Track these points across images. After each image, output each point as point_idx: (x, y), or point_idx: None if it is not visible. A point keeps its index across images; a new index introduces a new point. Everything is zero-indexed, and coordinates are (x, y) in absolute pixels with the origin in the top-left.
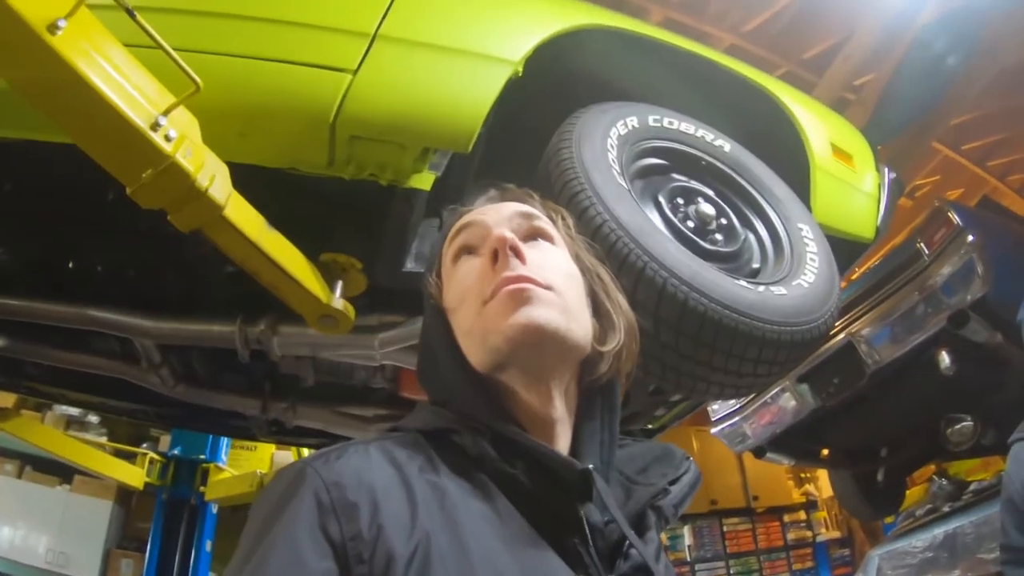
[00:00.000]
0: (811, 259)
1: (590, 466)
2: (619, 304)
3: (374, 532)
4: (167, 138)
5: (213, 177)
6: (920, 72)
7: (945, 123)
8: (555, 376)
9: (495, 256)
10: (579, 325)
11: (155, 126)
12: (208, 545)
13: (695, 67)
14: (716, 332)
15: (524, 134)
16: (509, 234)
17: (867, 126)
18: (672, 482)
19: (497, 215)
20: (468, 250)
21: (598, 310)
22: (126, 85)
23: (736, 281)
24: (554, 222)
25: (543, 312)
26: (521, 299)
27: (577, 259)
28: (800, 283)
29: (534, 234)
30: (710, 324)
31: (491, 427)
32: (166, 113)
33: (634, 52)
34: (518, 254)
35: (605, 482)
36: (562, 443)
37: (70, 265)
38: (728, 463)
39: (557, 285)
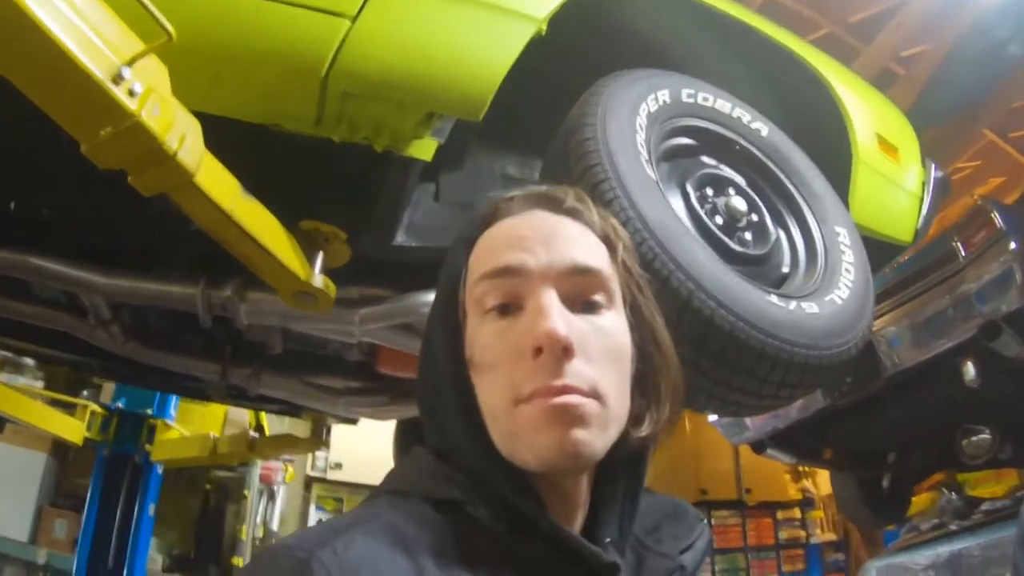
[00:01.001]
0: (846, 270)
1: (617, 560)
2: (669, 369)
3: None
4: (131, 93)
5: (183, 137)
6: (977, 57)
7: (996, 112)
8: (581, 476)
9: (538, 348)
10: (616, 427)
11: (117, 78)
12: (151, 508)
13: (734, 33)
14: (740, 352)
15: (539, 93)
16: (562, 331)
17: (913, 107)
18: (685, 549)
19: (547, 263)
20: (504, 303)
21: (644, 382)
22: (84, 28)
23: (767, 297)
24: (612, 249)
25: (583, 436)
26: (563, 419)
27: (632, 309)
28: (833, 299)
29: (588, 296)
30: (735, 344)
31: (510, 504)
32: (131, 63)
33: (667, 13)
34: (568, 354)
35: (620, 556)
36: (580, 515)
37: (11, 207)
38: (722, 449)
39: (603, 388)
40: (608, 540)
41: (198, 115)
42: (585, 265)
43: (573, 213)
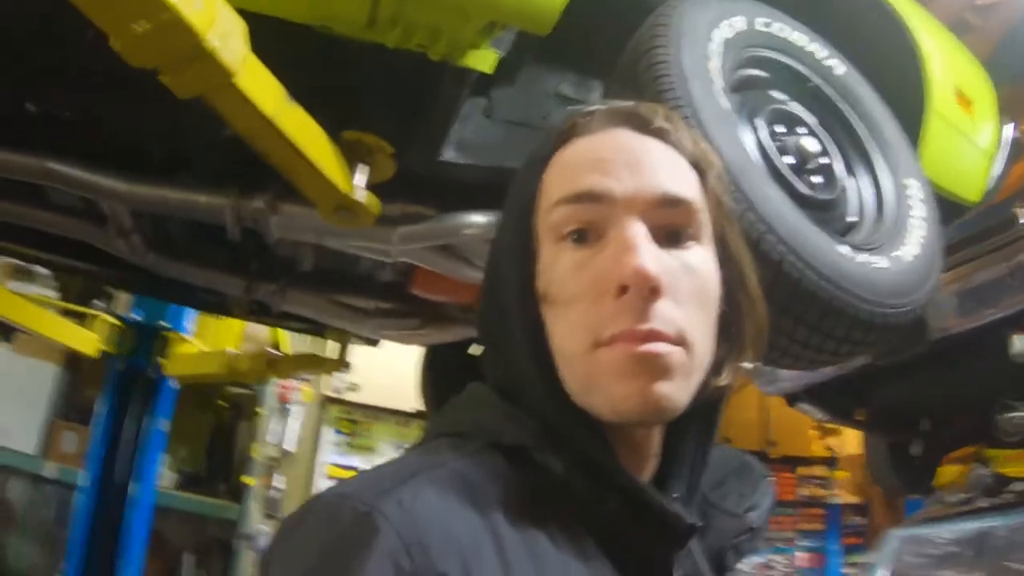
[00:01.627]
0: (916, 225)
1: (698, 522)
2: (755, 312)
3: None
4: None
5: (226, 35)
6: None
7: None
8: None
9: (623, 287)
10: (699, 376)
11: None
12: (164, 424)
13: None
14: (807, 304)
15: (602, 9)
16: (652, 269)
17: (986, 62)
18: (750, 508)
19: (634, 190)
20: (582, 229)
21: (729, 326)
22: None
23: (837, 246)
24: (703, 177)
25: (666, 390)
26: (646, 370)
27: (721, 244)
28: (902, 255)
29: (676, 229)
30: (803, 294)
31: (585, 454)
32: None
33: None
34: (656, 294)
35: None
36: (650, 468)
37: (31, 109)
38: (749, 397)
39: (690, 334)
40: (676, 496)
41: (242, 14)
42: (676, 195)
43: (662, 134)
